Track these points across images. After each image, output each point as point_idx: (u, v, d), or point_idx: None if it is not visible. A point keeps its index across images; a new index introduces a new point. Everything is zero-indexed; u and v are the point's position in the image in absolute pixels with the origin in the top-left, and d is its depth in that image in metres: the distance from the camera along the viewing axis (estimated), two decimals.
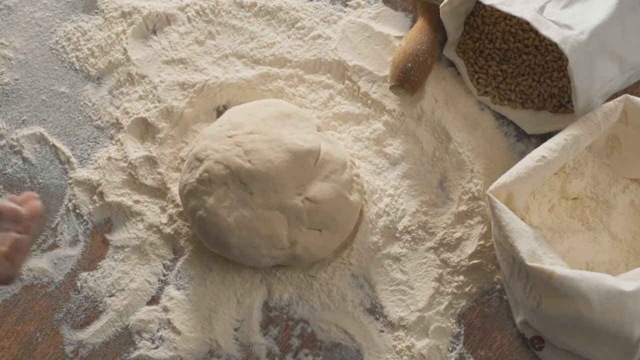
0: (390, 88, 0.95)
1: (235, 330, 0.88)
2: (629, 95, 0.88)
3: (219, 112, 0.97)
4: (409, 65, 0.93)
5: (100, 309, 0.89)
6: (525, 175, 0.85)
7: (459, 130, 0.95)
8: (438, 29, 0.96)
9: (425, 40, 0.94)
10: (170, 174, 0.93)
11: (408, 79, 0.93)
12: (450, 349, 0.87)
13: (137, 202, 0.92)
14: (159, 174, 0.93)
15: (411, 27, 0.99)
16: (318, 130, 0.90)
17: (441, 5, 0.94)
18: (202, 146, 0.88)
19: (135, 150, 0.94)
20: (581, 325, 0.79)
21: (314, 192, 0.86)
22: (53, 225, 0.92)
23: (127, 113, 0.96)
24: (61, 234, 0.92)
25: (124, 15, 1.00)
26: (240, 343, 0.87)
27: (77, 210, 0.92)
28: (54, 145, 0.95)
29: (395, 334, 0.88)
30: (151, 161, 0.94)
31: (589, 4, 0.90)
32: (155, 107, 0.96)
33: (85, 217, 0.92)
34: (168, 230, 0.91)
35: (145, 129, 0.95)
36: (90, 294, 0.89)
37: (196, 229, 0.87)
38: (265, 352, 0.87)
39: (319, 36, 0.99)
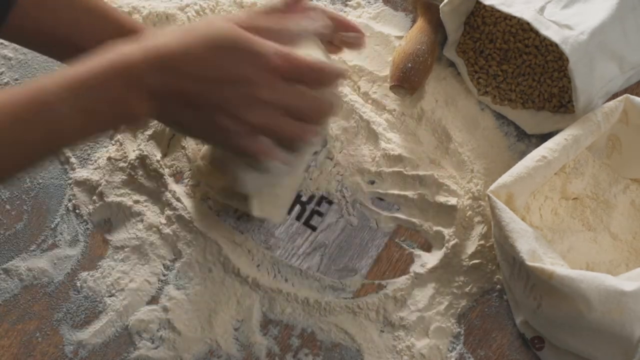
0: (390, 88, 0.95)
1: (235, 330, 0.88)
2: (629, 95, 0.88)
3: None
4: (409, 65, 0.93)
5: (100, 309, 0.89)
6: (525, 175, 0.85)
7: (459, 130, 0.95)
8: (438, 29, 0.96)
9: (426, 40, 0.94)
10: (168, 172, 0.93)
11: (408, 79, 0.93)
12: (450, 348, 0.87)
13: (137, 202, 0.92)
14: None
15: (411, 27, 0.99)
16: None
17: (441, 5, 0.94)
18: None
19: (135, 150, 0.94)
20: (581, 325, 0.79)
21: None
22: (53, 225, 0.92)
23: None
24: (61, 234, 0.92)
25: None
26: (240, 343, 0.87)
27: (77, 211, 0.92)
28: None
29: (396, 333, 0.87)
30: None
31: (589, 4, 0.90)
32: None
33: (85, 217, 0.92)
34: (168, 230, 0.91)
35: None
36: (90, 294, 0.89)
37: None
38: (265, 352, 0.87)
39: None
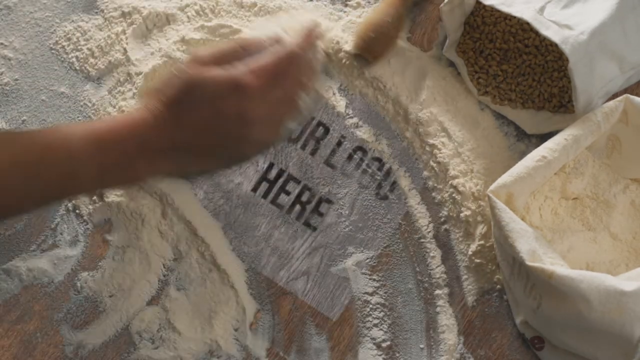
0: (354, 56, 0.96)
1: (235, 330, 0.88)
2: (629, 95, 0.88)
3: None
4: (372, 35, 0.95)
5: (100, 309, 0.89)
6: (525, 175, 0.85)
7: (459, 130, 0.95)
8: (407, 3, 0.97)
9: (392, 13, 0.96)
10: None
11: (369, 48, 0.94)
12: None
13: (137, 202, 0.92)
14: None
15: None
16: None
17: (441, 5, 0.94)
18: None
19: None
20: (581, 325, 0.79)
21: None
22: (53, 226, 0.92)
23: (123, 112, 0.96)
24: (61, 234, 0.92)
25: (123, 15, 1.00)
26: (240, 343, 0.88)
27: (77, 211, 0.92)
28: None
29: None
30: None
31: (589, 4, 0.90)
32: None
33: (85, 217, 0.92)
34: (168, 230, 0.91)
35: None
36: (90, 294, 0.89)
37: None
38: (266, 353, 0.87)
39: None
